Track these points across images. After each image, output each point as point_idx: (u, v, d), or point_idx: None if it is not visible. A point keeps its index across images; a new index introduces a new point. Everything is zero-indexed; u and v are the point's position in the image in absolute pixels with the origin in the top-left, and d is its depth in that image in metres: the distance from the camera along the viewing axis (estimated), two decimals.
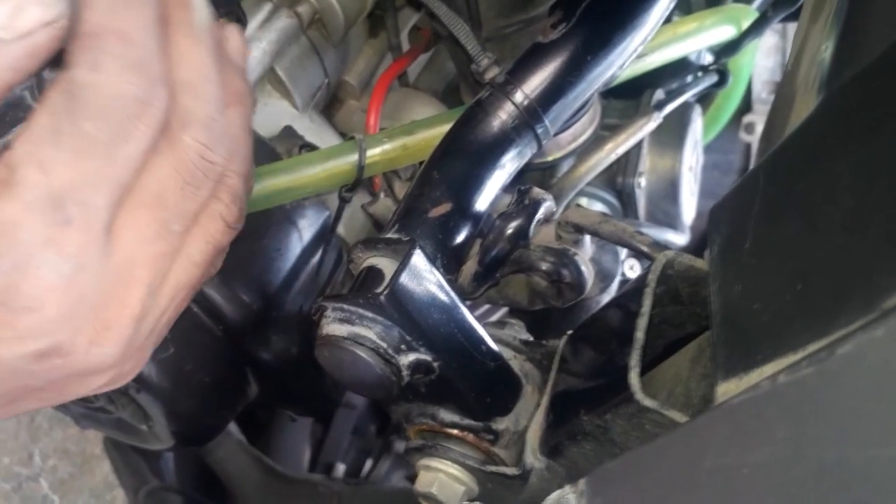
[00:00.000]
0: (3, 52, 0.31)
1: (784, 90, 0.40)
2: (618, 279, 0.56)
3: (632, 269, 0.72)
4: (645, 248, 0.44)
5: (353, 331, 0.41)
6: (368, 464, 1.41)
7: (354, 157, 0.52)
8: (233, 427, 1.10)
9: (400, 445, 1.32)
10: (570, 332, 0.48)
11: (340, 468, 1.35)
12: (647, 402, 0.34)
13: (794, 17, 0.70)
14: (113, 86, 0.31)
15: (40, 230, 0.31)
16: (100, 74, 0.31)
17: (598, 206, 0.67)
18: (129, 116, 0.32)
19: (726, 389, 0.27)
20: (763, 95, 1.20)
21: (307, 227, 0.61)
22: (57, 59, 0.33)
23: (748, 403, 0.23)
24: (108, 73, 0.31)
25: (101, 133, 0.31)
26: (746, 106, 1.19)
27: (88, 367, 0.35)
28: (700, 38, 0.66)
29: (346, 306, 0.41)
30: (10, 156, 0.31)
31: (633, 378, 0.34)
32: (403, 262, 0.41)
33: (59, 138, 0.31)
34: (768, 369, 0.25)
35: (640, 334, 0.36)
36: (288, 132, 0.57)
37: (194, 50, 0.35)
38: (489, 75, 0.50)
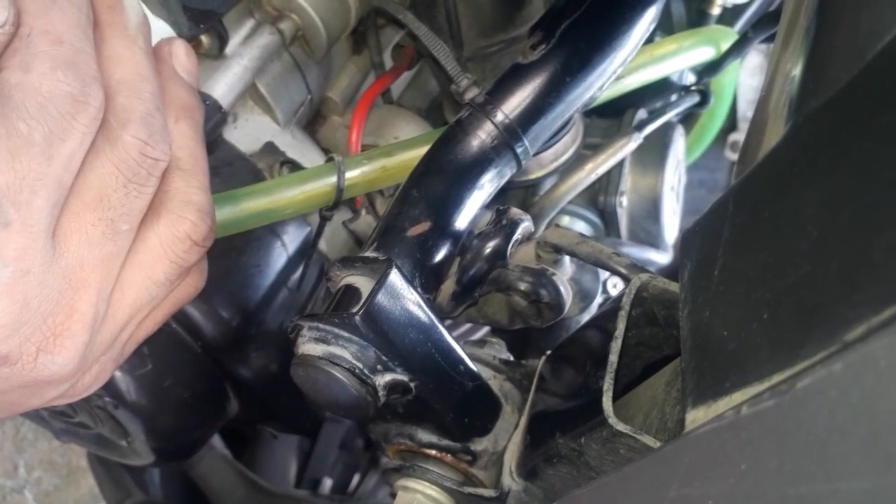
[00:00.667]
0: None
1: (758, 115, 0.41)
2: (599, 298, 0.56)
3: (615, 286, 0.72)
4: (622, 270, 0.44)
5: (328, 350, 0.41)
6: (356, 479, 1.40)
7: (333, 179, 0.52)
8: (217, 441, 1.10)
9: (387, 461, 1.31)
10: (549, 352, 0.48)
11: (327, 483, 1.34)
12: (621, 426, 0.34)
13: (773, 38, 0.71)
14: (46, 85, 0.31)
15: None
16: (31, 74, 0.31)
17: (580, 225, 0.68)
18: (65, 115, 0.31)
19: (695, 417, 0.27)
20: (748, 114, 1.21)
21: (289, 244, 0.61)
22: None
23: (712, 434, 0.23)
24: (39, 72, 0.31)
25: (35, 132, 0.31)
26: (732, 124, 1.20)
27: (39, 378, 0.34)
28: (679, 60, 0.66)
29: (321, 325, 0.41)
30: None
31: (606, 402, 0.34)
32: (380, 282, 0.41)
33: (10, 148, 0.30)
34: (736, 398, 0.25)
35: (613, 357, 0.36)
36: (269, 148, 0.57)
37: (128, 50, 0.35)
38: (469, 95, 0.50)
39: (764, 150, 0.36)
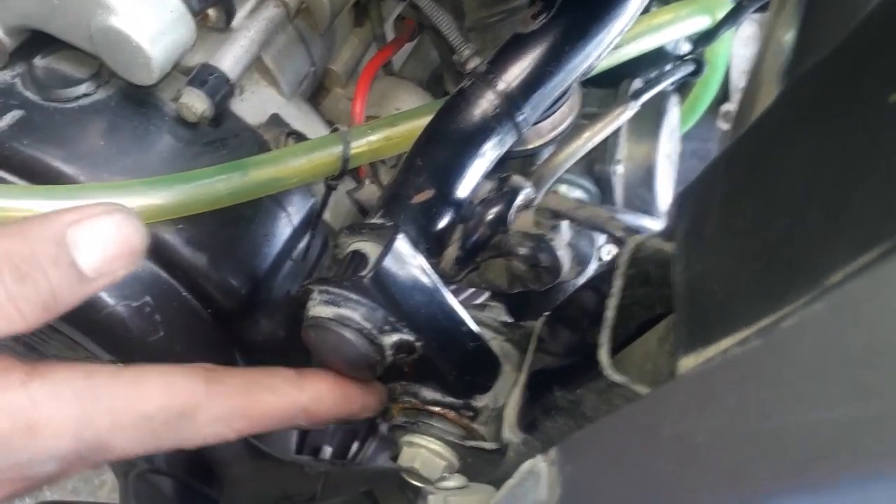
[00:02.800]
0: (84, 287, 0.34)
1: (752, 81, 0.42)
2: (594, 263, 0.58)
3: (609, 254, 0.74)
4: (618, 233, 0.46)
5: (338, 312, 0.43)
6: (355, 446, 1.42)
7: (339, 149, 0.53)
8: None
9: (385, 428, 1.33)
10: (547, 313, 0.50)
11: (327, 451, 1.37)
12: (616, 377, 0.36)
13: (767, 7, 0.72)
14: (200, 440, 0.39)
15: None
16: (208, 429, 0.39)
17: (577, 193, 0.69)
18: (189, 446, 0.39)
19: (686, 364, 0.29)
20: (741, 85, 1.22)
21: (293, 214, 0.62)
22: None
23: (702, 375, 0.25)
24: (208, 432, 0.39)
25: (164, 444, 0.38)
26: (724, 95, 1.21)
27: None
28: (675, 29, 0.67)
29: (331, 289, 0.43)
30: None
31: (603, 355, 0.36)
32: (387, 247, 0.43)
33: (142, 427, 0.37)
34: (724, 344, 0.27)
35: (609, 313, 0.38)
36: (275, 120, 0.58)
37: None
38: (471, 65, 0.51)
39: (756, 113, 0.38)
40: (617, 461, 0.28)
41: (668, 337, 0.40)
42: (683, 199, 0.35)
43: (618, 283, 0.38)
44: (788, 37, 0.33)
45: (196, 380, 0.40)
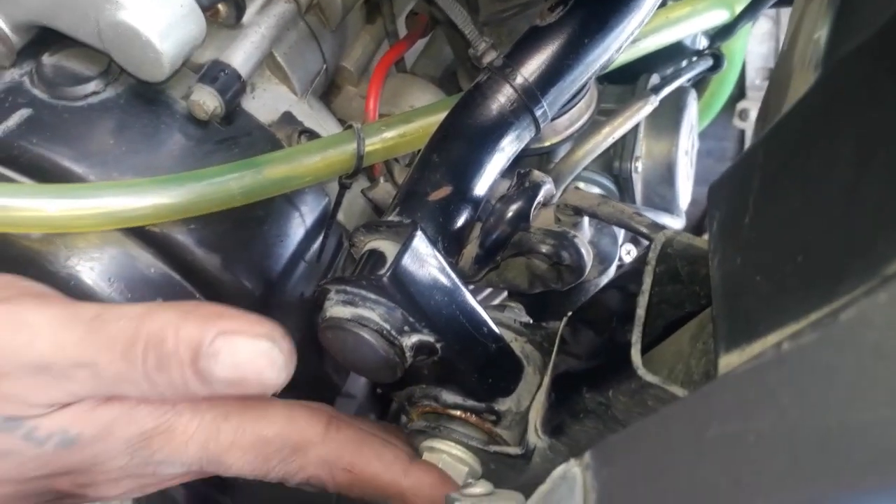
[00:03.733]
0: (208, 389, 0.36)
1: (780, 70, 0.41)
2: (615, 263, 0.56)
3: (629, 253, 0.73)
4: (643, 229, 0.45)
5: (356, 312, 0.41)
6: None
7: (353, 146, 0.52)
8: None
9: (406, 431, 1.32)
10: (569, 314, 0.49)
11: None
12: (649, 377, 0.34)
13: (786, 2, 0.70)
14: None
15: None
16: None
17: (595, 191, 0.68)
18: None
19: (728, 362, 0.28)
20: (757, 82, 1.20)
21: (306, 214, 0.61)
22: None
23: (752, 372, 0.23)
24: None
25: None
26: (740, 93, 1.20)
27: None
28: (693, 23, 0.66)
29: (349, 288, 0.42)
30: None
31: (635, 354, 0.35)
32: (405, 245, 0.41)
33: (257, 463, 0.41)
34: (771, 339, 0.26)
35: (641, 311, 0.36)
36: (287, 118, 0.57)
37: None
38: (487, 59, 0.50)
39: (790, 102, 0.36)
40: (657, 465, 0.27)
41: (701, 335, 0.39)
42: (717, 191, 0.33)
43: (647, 280, 0.37)
44: (824, 21, 0.32)
45: (318, 419, 0.43)
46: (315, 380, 0.68)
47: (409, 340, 0.42)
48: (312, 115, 0.60)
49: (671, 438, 0.27)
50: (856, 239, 0.23)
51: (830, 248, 0.24)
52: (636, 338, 0.35)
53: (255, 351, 0.36)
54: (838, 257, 0.24)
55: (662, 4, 0.59)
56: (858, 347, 0.20)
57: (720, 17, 0.69)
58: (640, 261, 0.40)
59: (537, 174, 0.49)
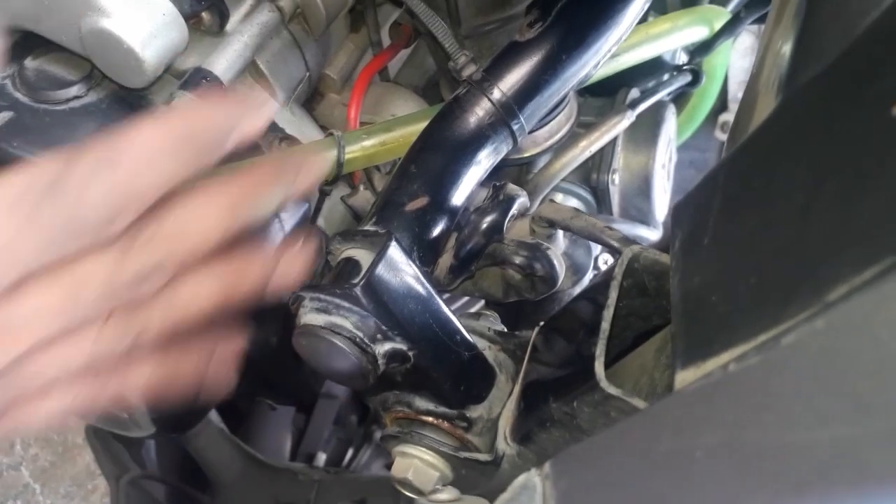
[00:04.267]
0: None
1: (749, 92, 0.42)
2: (590, 273, 0.57)
3: (605, 263, 0.74)
4: (614, 243, 0.46)
5: (329, 320, 0.42)
6: (350, 453, 1.42)
7: (333, 153, 0.52)
8: (214, 416, 1.11)
9: (380, 435, 1.33)
10: (542, 323, 0.49)
11: (321, 458, 1.36)
12: (612, 389, 0.35)
13: (765, 18, 0.72)
14: (85, 204, 0.34)
15: None
16: (84, 190, 0.33)
17: (573, 202, 0.69)
18: (89, 227, 0.34)
19: (684, 378, 0.29)
20: (738, 95, 1.22)
21: (287, 219, 0.62)
22: None
23: (701, 390, 0.24)
24: (87, 193, 0.33)
25: (51, 226, 0.33)
26: (722, 105, 1.21)
27: None
28: (673, 39, 0.67)
29: (323, 296, 0.42)
30: None
31: (598, 367, 0.36)
32: (380, 254, 0.42)
33: (16, 213, 0.33)
34: (723, 358, 0.26)
35: (605, 325, 0.37)
36: (269, 125, 0.57)
37: (212, 220, 0.37)
38: (466, 73, 0.51)
39: (754, 124, 0.37)
40: (612, 477, 0.28)
41: (665, 349, 0.40)
42: (680, 210, 0.34)
43: (613, 294, 0.37)
44: (786, 47, 0.33)
45: (53, 157, 0.36)
46: (294, 383, 0.69)
47: (382, 348, 0.43)
48: (294, 122, 0.60)
49: (626, 451, 0.28)
50: (804, 263, 0.24)
51: (781, 272, 0.25)
52: (600, 351, 0.36)
53: None
54: (788, 281, 0.25)
55: (643, 20, 0.60)
56: (796, 371, 0.21)
57: (700, 33, 0.71)
58: (610, 274, 0.41)
59: (511, 187, 0.49)
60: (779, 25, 0.38)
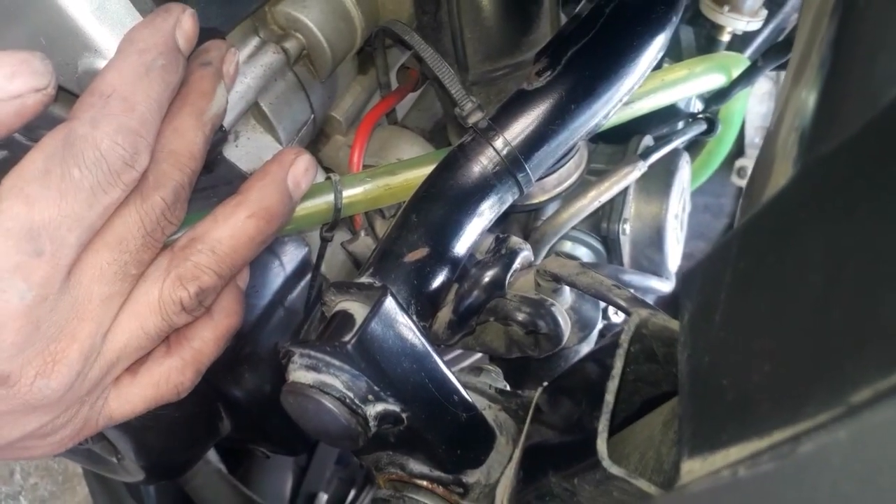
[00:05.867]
0: None
1: (766, 150, 0.40)
2: (599, 327, 0.55)
3: (616, 313, 0.71)
4: (622, 303, 0.43)
5: (319, 378, 0.40)
6: (352, 494, 1.38)
7: (330, 198, 0.51)
8: (212, 455, 1.09)
9: (371, 497, 1.31)
10: (545, 383, 0.47)
11: (323, 498, 1.33)
12: (615, 469, 0.33)
13: (785, 66, 0.70)
14: (105, 144, 0.36)
15: (12, 256, 0.34)
16: (97, 131, 0.36)
17: (582, 251, 0.67)
18: (113, 172, 0.36)
19: (690, 468, 0.26)
20: (756, 140, 1.20)
21: (287, 263, 0.60)
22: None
23: (708, 493, 0.22)
24: (104, 132, 0.36)
25: (85, 181, 0.36)
26: (739, 150, 1.19)
27: (29, 402, 0.37)
28: (689, 86, 0.66)
29: (313, 353, 0.40)
30: None
31: (601, 444, 0.33)
32: (374, 309, 0.40)
33: (48, 178, 0.35)
34: (733, 452, 0.24)
35: (609, 397, 0.35)
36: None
37: (192, 132, 0.41)
38: (472, 120, 0.49)
39: (770, 190, 0.35)
40: None
41: (673, 423, 0.37)
42: (690, 279, 0.32)
43: (618, 365, 0.35)
44: (806, 110, 0.31)
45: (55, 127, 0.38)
46: (288, 430, 0.67)
47: (374, 409, 0.41)
48: None
49: None
50: (823, 356, 0.22)
51: (797, 362, 0.23)
52: (602, 426, 0.34)
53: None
54: (805, 373, 0.22)
55: (657, 66, 0.58)
56: (814, 486, 0.19)
57: (717, 80, 0.69)
58: (618, 335, 0.39)
59: (514, 240, 0.48)
60: (798, 84, 0.36)
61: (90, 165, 0.36)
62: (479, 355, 0.78)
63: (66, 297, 0.36)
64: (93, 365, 0.39)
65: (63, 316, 0.37)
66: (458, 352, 0.83)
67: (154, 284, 0.40)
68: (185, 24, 0.41)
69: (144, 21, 0.41)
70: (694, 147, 0.91)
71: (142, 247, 0.39)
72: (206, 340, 0.45)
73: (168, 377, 0.44)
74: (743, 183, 1.20)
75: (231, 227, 0.42)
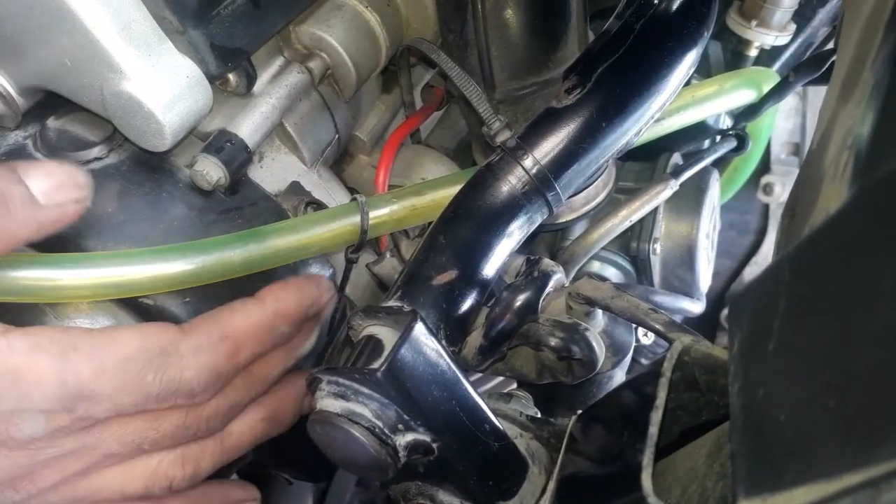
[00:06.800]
0: (37, 212, 0.38)
1: (810, 169, 0.38)
2: (632, 351, 0.53)
3: (646, 335, 0.70)
4: (660, 327, 0.42)
5: (347, 407, 0.39)
6: None
7: (357, 219, 0.50)
8: (234, 478, 1.07)
9: None
10: (580, 411, 0.45)
11: None
12: None
13: (816, 81, 0.68)
14: (189, 374, 0.40)
15: (50, 401, 0.37)
16: (192, 359, 0.41)
17: (611, 271, 0.65)
18: (175, 393, 0.41)
19: None
20: (782, 157, 1.18)
21: None
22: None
23: None
24: (196, 364, 0.41)
25: (150, 388, 0.40)
26: (765, 167, 1.17)
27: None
28: (720, 102, 0.64)
29: (341, 380, 0.39)
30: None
31: (646, 479, 0.32)
32: (404, 335, 0.39)
33: (126, 366, 0.39)
34: (798, 495, 0.22)
35: (653, 430, 0.33)
36: (294, 188, 0.55)
37: (277, 362, 0.46)
38: (500, 139, 0.48)
39: (821, 210, 0.34)
40: None
41: (719, 455, 0.35)
42: (739, 305, 0.30)
43: (662, 395, 0.34)
44: (863, 129, 0.30)
45: (168, 325, 0.43)
46: (313, 457, 0.65)
47: (403, 439, 0.39)
48: (321, 185, 0.58)
49: None
50: None
51: (868, 397, 0.21)
52: (647, 460, 0.32)
53: (55, 164, 0.40)
54: (878, 411, 0.21)
55: (687, 83, 0.57)
56: None
57: (747, 96, 0.67)
58: (658, 364, 0.37)
59: (547, 262, 0.46)
60: (847, 102, 0.34)
61: (164, 380, 0.40)
62: (502, 378, 0.76)
63: (74, 442, 0.39)
64: (62, 498, 0.41)
65: (61, 453, 0.39)
66: (480, 375, 0.81)
67: (156, 455, 0.43)
68: (322, 301, 0.49)
69: (299, 284, 0.48)
70: (720, 163, 0.89)
71: (170, 434, 0.42)
72: None
73: None
74: (769, 199, 1.18)
75: (243, 423, 0.46)
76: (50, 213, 0.39)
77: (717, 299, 1.15)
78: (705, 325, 1.17)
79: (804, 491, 0.22)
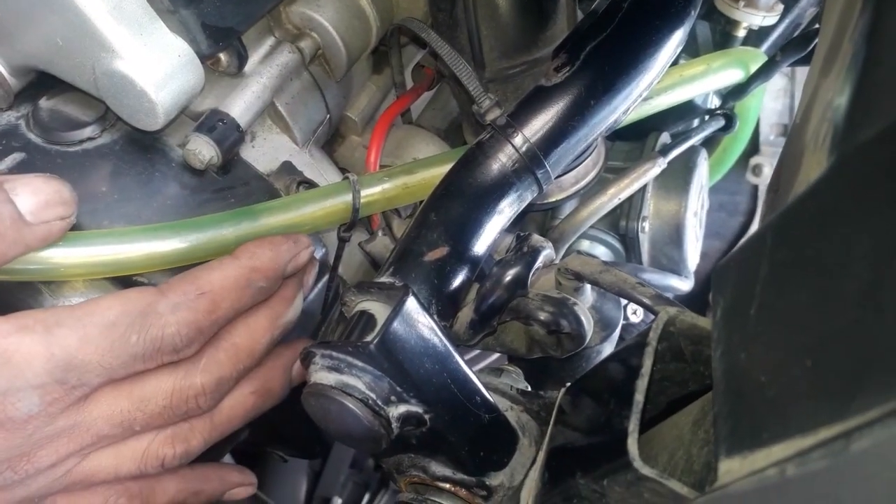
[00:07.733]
0: (25, 233, 0.39)
1: (793, 143, 0.39)
2: (620, 326, 0.54)
3: (635, 313, 0.71)
4: (647, 301, 0.43)
5: (341, 380, 0.40)
6: (366, 498, 1.38)
7: (349, 198, 0.50)
8: (227, 458, 1.08)
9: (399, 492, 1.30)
10: (568, 383, 0.46)
11: (337, 502, 1.32)
12: (646, 470, 0.32)
13: (803, 61, 0.69)
14: (170, 330, 0.41)
15: (42, 377, 0.38)
16: (171, 316, 0.41)
17: (601, 250, 0.66)
18: (160, 351, 0.41)
19: (729, 468, 0.26)
20: (771, 138, 1.19)
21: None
22: None
23: (754, 493, 0.21)
24: (176, 319, 0.41)
25: (136, 348, 0.40)
26: (754, 148, 1.18)
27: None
28: (707, 82, 0.65)
29: (335, 354, 0.40)
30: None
31: (632, 445, 0.32)
32: (396, 309, 0.40)
33: (110, 331, 0.39)
34: (776, 451, 0.23)
35: (639, 397, 0.34)
36: (286, 168, 0.56)
37: (263, 332, 0.46)
38: (490, 117, 0.49)
39: (802, 182, 0.34)
40: None
41: (703, 422, 0.36)
42: (722, 273, 0.31)
43: (647, 363, 0.34)
44: (841, 100, 0.30)
45: (147, 288, 0.43)
46: (308, 433, 0.66)
47: (396, 411, 0.40)
48: (313, 165, 0.59)
49: None
50: (871, 349, 0.21)
51: (843, 356, 0.22)
52: (633, 426, 0.33)
53: (41, 178, 0.40)
54: (852, 367, 0.22)
55: (675, 62, 0.58)
56: (870, 483, 0.18)
57: (735, 76, 0.68)
58: (643, 335, 0.38)
59: (537, 238, 0.47)
60: (827, 75, 0.35)
61: (148, 339, 0.40)
62: (496, 355, 0.77)
63: (68, 418, 0.40)
64: (57, 479, 0.42)
65: (56, 431, 0.40)
66: (475, 352, 0.82)
67: (146, 435, 0.43)
68: (301, 258, 0.48)
69: (274, 240, 0.47)
70: (709, 144, 0.90)
71: (158, 414, 0.42)
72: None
73: None
74: (758, 180, 1.19)
75: (233, 399, 0.46)
76: (37, 231, 0.40)
77: (706, 280, 1.16)
78: (695, 306, 1.18)
79: (782, 447, 0.23)
